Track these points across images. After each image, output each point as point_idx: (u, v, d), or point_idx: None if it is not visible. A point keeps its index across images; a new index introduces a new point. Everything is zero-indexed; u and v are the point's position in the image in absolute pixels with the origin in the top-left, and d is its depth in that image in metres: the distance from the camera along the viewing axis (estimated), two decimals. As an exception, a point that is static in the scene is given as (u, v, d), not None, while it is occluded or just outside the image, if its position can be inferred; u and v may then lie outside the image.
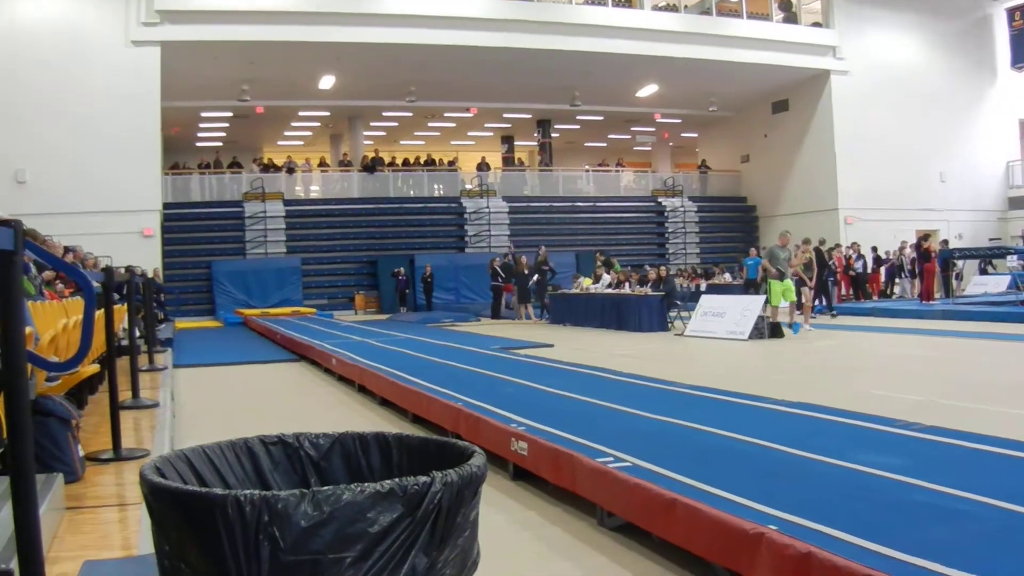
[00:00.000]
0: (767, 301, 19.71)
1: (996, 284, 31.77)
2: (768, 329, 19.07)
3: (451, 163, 43.07)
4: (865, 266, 32.31)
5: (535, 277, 28.64)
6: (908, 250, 32.18)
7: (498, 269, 29.39)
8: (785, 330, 19.49)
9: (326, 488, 2.17)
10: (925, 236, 29.57)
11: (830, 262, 28.88)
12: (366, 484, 2.20)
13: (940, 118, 38.74)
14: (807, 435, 7.02)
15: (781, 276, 19.86)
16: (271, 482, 2.84)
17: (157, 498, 2.27)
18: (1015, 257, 32.08)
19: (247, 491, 2.15)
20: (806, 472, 5.80)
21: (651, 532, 5.49)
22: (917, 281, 30.04)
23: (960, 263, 30.00)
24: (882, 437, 6.93)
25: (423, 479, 2.25)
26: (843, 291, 31.24)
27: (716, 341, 19.11)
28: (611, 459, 6.20)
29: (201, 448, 2.72)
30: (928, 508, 4.82)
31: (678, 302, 23.35)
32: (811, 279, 21.48)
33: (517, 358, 14.90)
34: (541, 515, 6.61)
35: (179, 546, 2.24)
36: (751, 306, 19.75)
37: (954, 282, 28.79)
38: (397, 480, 2.22)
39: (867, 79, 37.01)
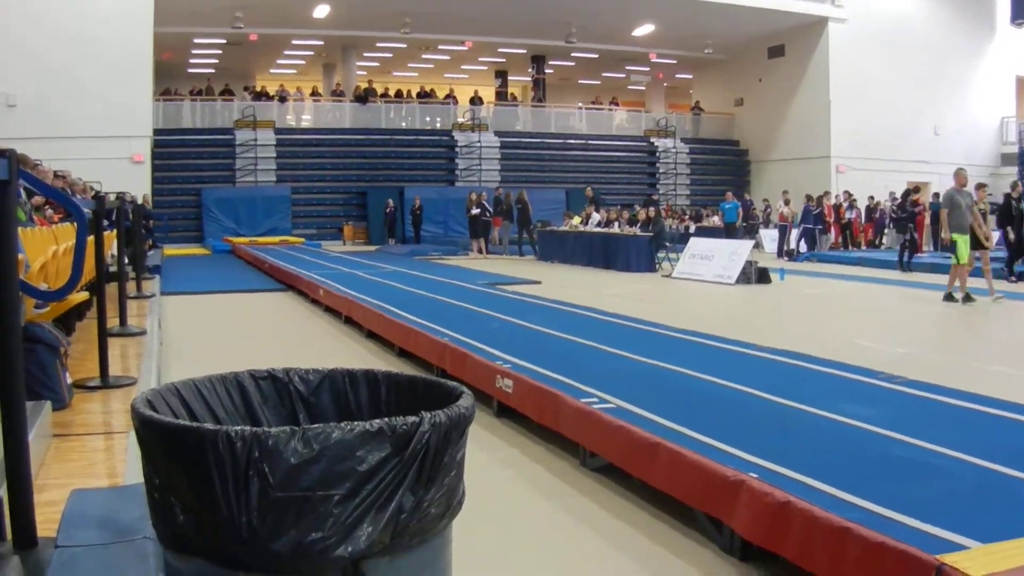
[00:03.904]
0: (956, 262, 15.66)
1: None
2: (755, 274, 19.10)
3: (447, 96, 42.73)
4: (859, 215, 32.35)
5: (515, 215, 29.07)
6: (889, 203, 32.16)
7: (485, 204, 29.42)
8: (772, 276, 19.50)
9: (316, 426, 2.19)
10: (915, 188, 29.53)
11: (817, 211, 28.92)
12: (355, 423, 2.21)
13: (937, 71, 38.55)
14: (791, 383, 7.06)
15: (963, 229, 15.51)
16: (260, 417, 2.86)
17: (148, 431, 2.29)
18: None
19: (238, 427, 2.16)
20: (788, 421, 5.85)
21: (633, 475, 5.54)
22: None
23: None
24: (865, 389, 6.98)
25: (412, 419, 2.27)
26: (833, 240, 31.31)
27: (703, 284, 19.17)
28: (595, 400, 6.24)
29: (192, 381, 2.73)
30: (907, 462, 4.86)
31: (667, 243, 23.38)
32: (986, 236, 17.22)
33: (504, 294, 14.93)
34: (524, 453, 6.66)
35: (168, 479, 2.26)
36: (739, 250, 19.80)
37: (942, 235, 28.80)
38: (386, 419, 2.24)
39: (865, 28, 36.76)
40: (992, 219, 20.64)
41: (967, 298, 15.51)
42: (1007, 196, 20.05)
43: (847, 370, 7.72)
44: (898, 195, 31.98)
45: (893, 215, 27.79)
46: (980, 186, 18.51)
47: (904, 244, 23.56)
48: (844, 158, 37.35)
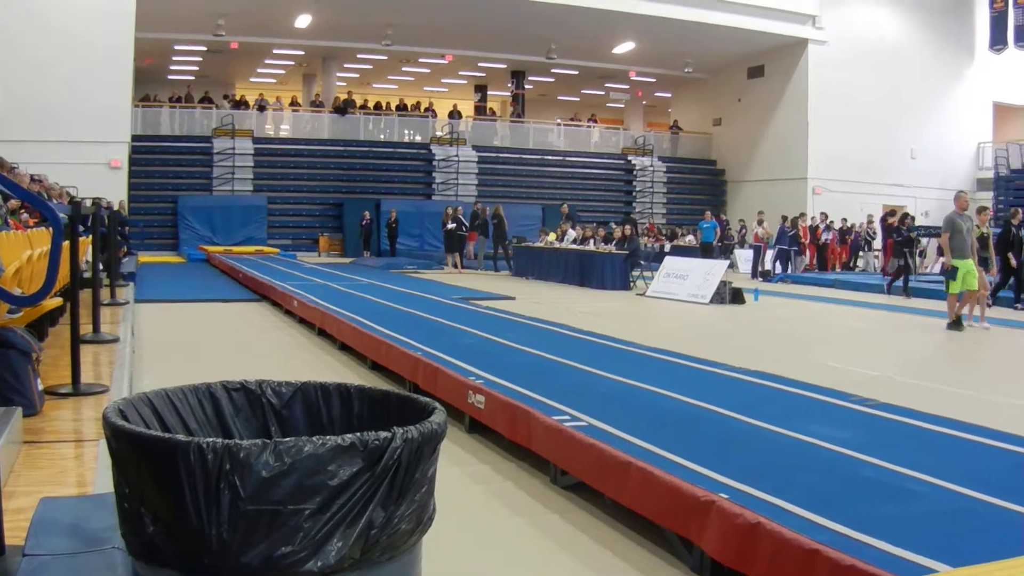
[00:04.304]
0: (948, 290, 15.30)
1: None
2: (730, 294, 19.15)
3: (427, 109, 42.72)
4: (835, 238, 32.45)
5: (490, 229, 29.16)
6: (876, 224, 32.25)
7: (461, 219, 29.42)
8: (746, 296, 19.55)
9: (288, 439, 2.19)
10: (892, 212, 29.69)
11: (792, 232, 28.97)
12: (327, 437, 2.22)
13: (915, 95, 38.77)
14: (763, 404, 7.08)
15: (963, 254, 14.98)
16: (232, 428, 2.86)
17: (119, 441, 2.29)
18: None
19: (209, 439, 2.17)
20: (760, 441, 5.87)
21: (604, 493, 5.54)
22: (881, 255, 30.22)
23: (924, 240, 30.13)
24: (837, 411, 7.01)
25: (384, 434, 2.27)
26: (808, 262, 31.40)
27: (678, 303, 19.20)
28: (567, 418, 6.24)
29: (164, 391, 2.73)
30: (877, 485, 4.89)
31: (642, 261, 23.41)
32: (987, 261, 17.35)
33: (478, 309, 14.92)
34: (495, 470, 6.65)
35: (139, 489, 2.26)
36: (713, 270, 19.85)
37: (917, 259, 28.93)
38: (359, 434, 2.25)
39: (845, 50, 36.92)
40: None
41: (955, 324, 15.10)
42: (1007, 223, 19.76)
43: (819, 392, 7.74)
44: (875, 218, 32.19)
45: (890, 238, 27.43)
46: (981, 209, 17.90)
47: (899, 268, 23.06)
48: (821, 180, 37.50)
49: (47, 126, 26.59)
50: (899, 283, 22.74)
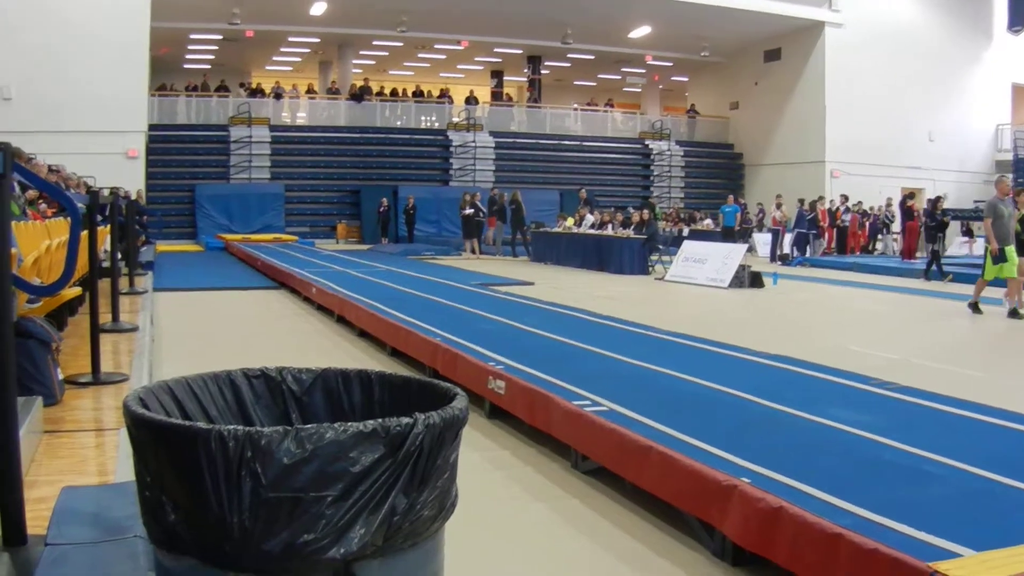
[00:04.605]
0: (982, 275, 15.23)
1: (979, 246, 31.78)
2: (748, 278, 19.10)
3: (442, 94, 42.68)
4: (855, 220, 32.29)
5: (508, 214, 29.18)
6: (895, 207, 32.04)
7: (479, 204, 29.38)
8: (765, 280, 19.50)
9: (309, 426, 2.18)
10: (910, 194, 29.53)
11: (811, 215, 28.84)
12: (349, 423, 2.21)
13: (932, 77, 38.57)
14: (783, 388, 7.06)
15: (1006, 240, 14.71)
16: (253, 416, 2.85)
17: (140, 429, 2.28)
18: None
19: (230, 426, 2.16)
20: (780, 425, 5.85)
21: (624, 478, 5.53)
22: (900, 238, 30.05)
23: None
24: (857, 394, 6.99)
25: (405, 420, 2.26)
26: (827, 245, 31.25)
27: (696, 287, 19.17)
28: (587, 402, 6.23)
29: (184, 379, 2.72)
30: (899, 468, 4.86)
31: (660, 246, 23.38)
32: None
33: (497, 295, 14.92)
34: (515, 455, 6.65)
35: (160, 478, 2.26)
36: (732, 254, 19.79)
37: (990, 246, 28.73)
38: (380, 420, 2.23)
39: (861, 33, 36.75)
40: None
41: (975, 306, 15.03)
42: None
43: (839, 375, 7.72)
44: (894, 200, 31.97)
45: (922, 223, 26.76)
46: (1020, 192, 16.77)
47: (934, 253, 22.55)
48: (839, 163, 37.35)
49: (64, 117, 26.65)
50: (936, 268, 22.11)
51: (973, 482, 4.64)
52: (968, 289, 16.19)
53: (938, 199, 24.82)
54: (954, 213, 28.97)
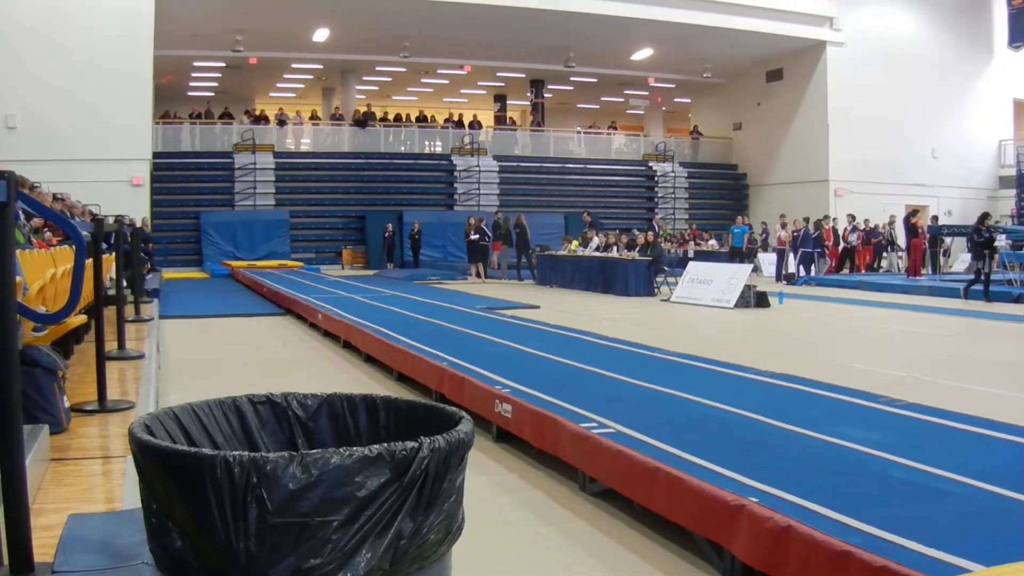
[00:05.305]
0: None
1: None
2: (754, 298, 19.09)
3: (447, 120, 42.79)
4: (860, 239, 32.26)
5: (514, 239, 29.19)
6: (898, 224, 32.01)
7: (484, 229, 29.41)
8: (771, 299, 19.50)
9: (315, 451, 2.18)
10: (914, 211, 29.55)
11: (816, 234, 28.83)
12: (354, 448, 2.21)
13: (935, 94, 38.61)
14: (790, 407, 7.05)
15: None
16: (259, 442, 2.85)
17: (146, 456, 2.28)
18: (1003, 236, 31.94)
19: (236, 452, 2.16)
20: (788, 444, 5.83)
21: (633, 499, 5.52)
22: (905, 255, 30.04)
23: (948, 240, 30.01)
24: (864, 412, 6.97)
25: (411, 444, 2.26)
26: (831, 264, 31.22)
27: (702, 308, 19.15)
28: (595, 425, 6.22)
29: (190, 406, 2.73)
30: (907, 486, 4.85)
31: (665, 267, 23.37)
32: None
33: (503, 319, 14.91)
34: (523, 478, 6.64)
35: (166, 504, 2.25)
36: (737, 274, 19.79)
37: (941, 259, 28.79)
38: (385, 445, 2.23)
39: (863, 51, 36.80)
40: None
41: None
42: None
43: (846, 393, 7.70)
44: (897, 218, 31.98)
45: (970, 240, 25.62)
46: None
47: (978, 271, 21.42)
48: (842, 182, 37.39)
49: (69, 145, 26.71)
50: (978, 287, 21.09)
51: (984, 498, 4.62)
52: (974, 305, 16.13)
53: (985, 215, 23.33)
54: (949, 229, 28.94)
